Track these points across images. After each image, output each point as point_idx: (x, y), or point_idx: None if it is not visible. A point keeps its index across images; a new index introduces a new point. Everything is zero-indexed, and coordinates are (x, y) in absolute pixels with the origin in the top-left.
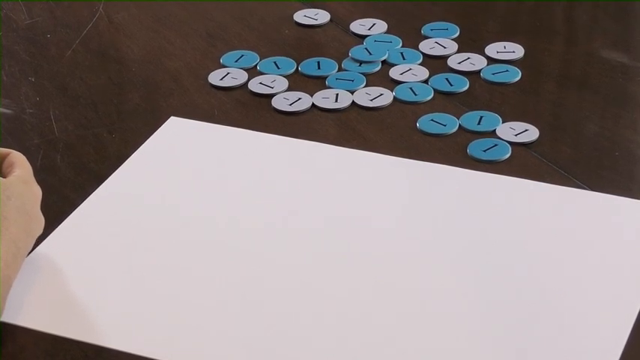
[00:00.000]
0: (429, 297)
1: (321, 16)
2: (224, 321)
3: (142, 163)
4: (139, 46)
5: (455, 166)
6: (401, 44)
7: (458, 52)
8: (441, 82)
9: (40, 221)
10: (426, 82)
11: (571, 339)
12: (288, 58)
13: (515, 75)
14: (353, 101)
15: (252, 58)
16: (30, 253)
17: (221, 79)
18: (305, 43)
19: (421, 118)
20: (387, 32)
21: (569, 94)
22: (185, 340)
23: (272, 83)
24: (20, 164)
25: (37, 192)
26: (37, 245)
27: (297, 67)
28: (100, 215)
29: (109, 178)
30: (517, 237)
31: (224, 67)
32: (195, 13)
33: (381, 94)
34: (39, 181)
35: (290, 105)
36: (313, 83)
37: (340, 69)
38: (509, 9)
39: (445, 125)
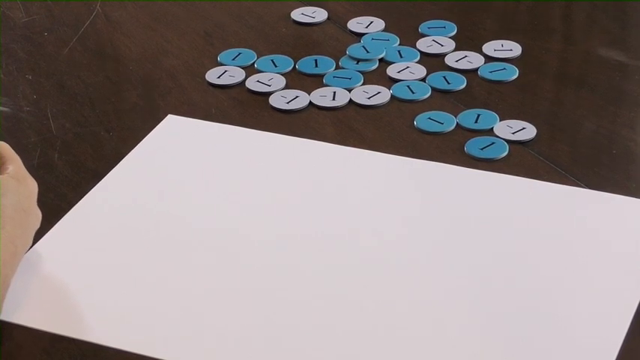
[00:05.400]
0: (426, 294)
1: (319, 14)
2: (221, 319)
3: (140, 161)
4: (137, 45)
5: (452, 165)
6: (398, 42)
7: (455, 50)
8: (438, 80)
9: (37, 215)
10: (423, 80)
11: (567, 336)
12: (286, 56)
13: (513, 73)
14: (350, 99)
15: (249, 56)
16: (28, 250)
17: (218, 78)
18: (302, 41)
19: (418, 116)
20: (384, 30)
21: (567, 92)
22: (182, 338)
23: (269, 81)
24: (10, 158)
25: (32, 186)
26: (35, 243)
27: (295, 65)
28: (97, 213)
29: (107, 176)
30: (514, 235)
31: (221, 65)
32: (192, 12)
33: (379, 92)
34: (36, 179)
35: (287, 103)
36: (311, 81)
37: (338, 67)
38: (506, 7)
39: (442, 123)
